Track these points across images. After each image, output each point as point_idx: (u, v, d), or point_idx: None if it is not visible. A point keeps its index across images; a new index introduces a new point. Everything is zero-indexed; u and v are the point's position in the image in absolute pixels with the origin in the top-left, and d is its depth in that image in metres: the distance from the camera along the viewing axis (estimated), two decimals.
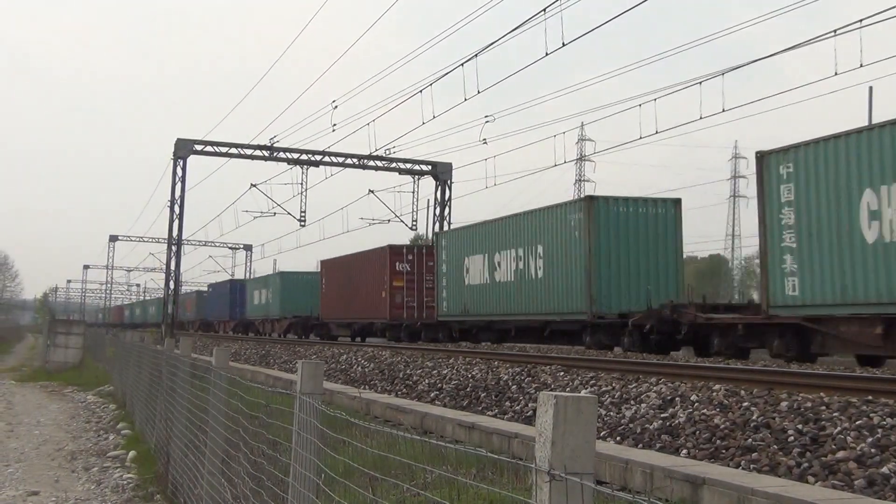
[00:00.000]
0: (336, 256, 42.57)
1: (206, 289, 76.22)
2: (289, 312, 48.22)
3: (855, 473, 6.54)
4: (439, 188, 42.81)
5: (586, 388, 11.92)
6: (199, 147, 40.95)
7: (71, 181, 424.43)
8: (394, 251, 35.48)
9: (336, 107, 33.55)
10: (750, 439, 7.82)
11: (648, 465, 6.94)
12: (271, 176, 72.79)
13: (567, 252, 23.55)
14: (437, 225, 42.23)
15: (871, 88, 32.61)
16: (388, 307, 35.09)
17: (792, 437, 7.56)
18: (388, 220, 44.76)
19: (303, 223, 43.24)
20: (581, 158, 78.85)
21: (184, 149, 40.68)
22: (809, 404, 8.41)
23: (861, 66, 17.32)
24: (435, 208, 42.87)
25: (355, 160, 41.79)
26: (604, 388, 11.36)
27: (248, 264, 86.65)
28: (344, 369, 19.94)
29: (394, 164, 42.17)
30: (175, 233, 41.95)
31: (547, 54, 19.92)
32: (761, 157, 17.55)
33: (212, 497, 6.70)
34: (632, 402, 10.28)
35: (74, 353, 38.76)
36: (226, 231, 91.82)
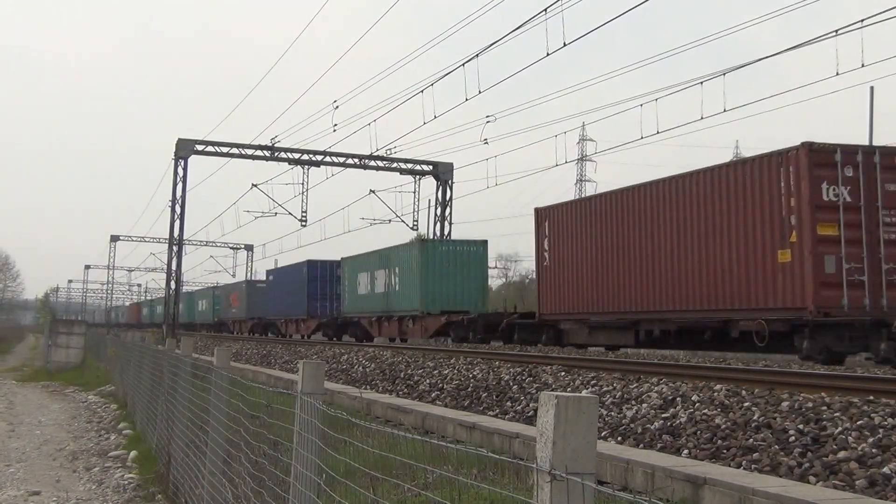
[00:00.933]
0: (571, 199, 26.86)
1: (263, 277, 58.29)
2: (436, 306, 32.00)
3: (856, 473, 6.53)
4: (440, 188, 42.80)
5: (587, 388, 11.92)
6: (200, 147, 40.97)
7: (72, 181, 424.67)
8: (817, 157, 17.05)
9: (337, 107, 33.56)
10: (751, 439, 7.82)
11: (649, 465, 6.94)
12: (272, 176, 72.79)
13: None
14: (439, 225, 42.25)
15: (872, 88, 32.55)
16: (808, 283, 16.64)
17: (793, 438, 7.56)
18: (390, 221, 44.77)
19: (304, 223, 43.22)
20: (582, 158, 78.86)
21: (185, 149, 40.70)
22: (811, 404, 8.41)
23: (862, 65, 17.30)
24: (436, 208, 42.89)
25: (356, 160, 41.78)
26: (605, 388, 11.36)
27: (250, 264, 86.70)
28: (345, 369, 19.95)
29: (395, 165, 42.17)
30: (176, 233, 41.96)
31: (548, 54, 19.91)
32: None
33: (213, 497, 6.70)
34: (633, 402, 10.28)
35: (76, 353, 38.84)
36: (227, 231, 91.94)
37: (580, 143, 78.65)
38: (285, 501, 4.86)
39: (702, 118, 21.68)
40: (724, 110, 21.25)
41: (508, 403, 12.11)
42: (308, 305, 43.43)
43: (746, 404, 8.90)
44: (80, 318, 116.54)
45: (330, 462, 4.43)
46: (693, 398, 9.68)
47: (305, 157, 41.01)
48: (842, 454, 6.93)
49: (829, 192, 16.95)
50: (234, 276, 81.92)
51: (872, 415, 7.66)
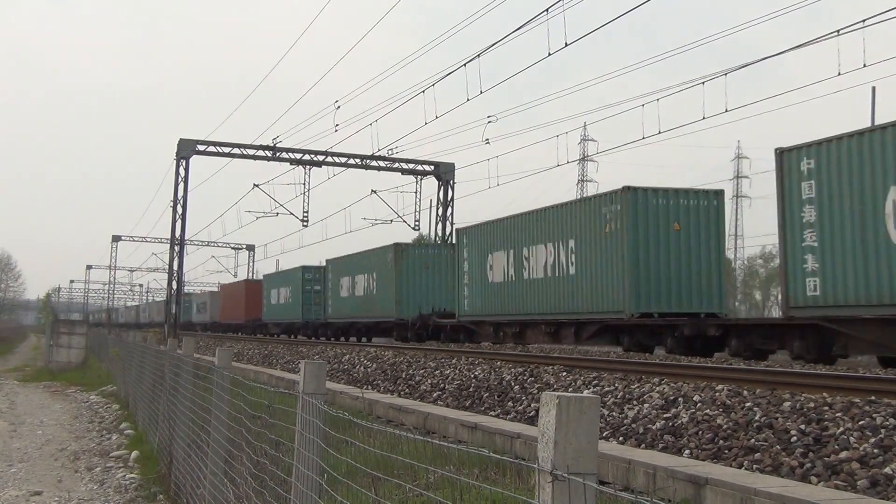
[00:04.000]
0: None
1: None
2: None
3: (858, 474, 6.53)
4: (442, 188, 42.81)
5: (589, 389, 11.92)
6: (201, 147, 40.98)
7: (74, 181, 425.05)
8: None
9: (339, 107, 33.66)
10: (753, 439, 7.81)
11: (651, 465, 6.93)
12: (274, 176, 72.83)
13: None
14: (441, 225, 42.25)
15: (874, 88, 32.58)
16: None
17: (795, 438, 7.56)
18: (391, 221, 44.82)
19: (305, 223, 43.26)
20: (584, 158, 78.97)
21: (186, 149, 40.72)
22: (812, 405, 8.40)
23: (864, 66, 17.32)
24: (437, 208, 42.89)
25: (358, 160, 41.80)
26: (606, 389, 11.36)
27: (251, 265, 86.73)
28: (347, 370, 19.95)
29: (396, 165, 42.19)
30: (178, 233, 41.98)
31: (550, 54, 19.93)
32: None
33: (214, 497, 6.70)
34: (634, 402, 10.28)
35: (77, 353, 38.84)
36: (228, 231, 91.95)
37: (582, 143, 78.82)
38: (287, 501, 4.86)
39: (703, 118, 21.72)
40: (726, 110, 21.31)
41: (510, 403, 12.11)
42: None
43: (748, 404, 8.89)
44: (113, 317, 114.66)
45: (331, 462, 4.42)
46: (695, 398, 9.67)
47: (307, 157, 41.04)
48: (843, 454, 6.92)
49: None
50: (235, 276, 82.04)
51: (874, 415, 7.65)
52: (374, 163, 41.52)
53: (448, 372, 15.71)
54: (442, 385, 14.68)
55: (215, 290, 72.81)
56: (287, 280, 48.23)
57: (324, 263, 44.92)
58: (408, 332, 33.21)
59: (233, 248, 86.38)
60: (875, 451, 6.83)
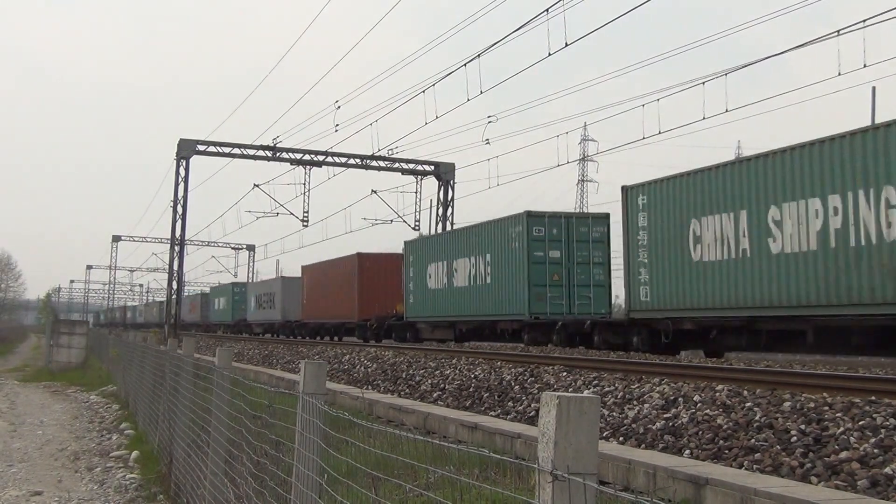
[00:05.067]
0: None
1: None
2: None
3: (858, 474, 6.53)
4: (442, 188, 42.80)
5: (589, 389, 11.92)
6: (202, 147, 40.97)
7: (74, 181, 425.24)
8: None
9: (339, 107, 33.67)
10: (753, 440, 7.81)
11: (651, 465, 6.93)
12: (274, 176, 72.78)
13: None
14: (441, 226, 42.25)
15: (874, 88, 32.55)
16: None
17: (795, 438, 7.56)
18: (391, 221, 44.81)
19: (305, 223, 43.25)
20: (584, 158, 78.98)
21: (187, 149, 40.71)
22: (812, 405, 8.40)
23: (864, 66, 17.31)
24: (438, 208, 42.88)
25: (358, 160, 41.79)
26: (606, 389, 11.36)
27: (251, 265, 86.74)
28: (347, 370, 19.95)
29: (396, 165, 42.18)
30: (178, 233, 41.97)
31: (550, 54, 19.94)
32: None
33: (215, 497, 6.71)
34: (634, 402, 10.28)
35: (77, 354, 38.84)
36: (228, 231, 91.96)
37: (582, 142, 78.80)
38: (287, 501, 4.86)
39: (704, 118, 21.73)
40: (726, 110, 21.32)
41: (510, 404, 12.11)
42: None
43: (748, 404, 8.89)
44: (128, 316, 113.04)
45: (331, 462, 4.42)
46: (695, 398, 9.67)
47: (307, 157, 41.03)
48: (844, 454, 6.92)
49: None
50: (235, 276, 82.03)
51: (874, 415, 7.65)
52: (374, 163, 41.51)
53: (448, 372, 15.71)
54: (442, 385, 14.68)
55: (292, 275, 51.82)
56: (472, 243, 27.57)
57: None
58: None
59: (233, 248, 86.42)
60: (875, 451, 6.83)
